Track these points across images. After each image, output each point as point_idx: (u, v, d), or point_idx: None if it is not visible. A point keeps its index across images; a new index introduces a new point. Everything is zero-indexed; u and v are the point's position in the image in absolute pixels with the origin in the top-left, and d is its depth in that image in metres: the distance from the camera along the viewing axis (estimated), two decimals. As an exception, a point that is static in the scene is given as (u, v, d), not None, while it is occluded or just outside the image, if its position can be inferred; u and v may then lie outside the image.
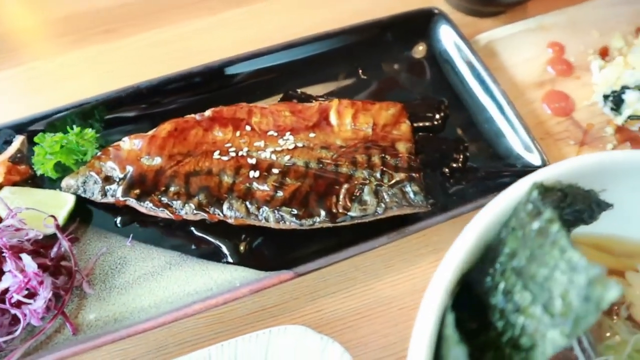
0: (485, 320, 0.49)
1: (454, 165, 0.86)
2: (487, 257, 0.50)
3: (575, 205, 0.57)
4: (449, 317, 0.44)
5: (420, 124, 0.90)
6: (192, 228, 0.81)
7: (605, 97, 0.93)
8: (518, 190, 0.49)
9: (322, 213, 0.74)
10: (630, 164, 0.55)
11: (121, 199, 0.79)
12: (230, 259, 0.78)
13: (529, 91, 0.98)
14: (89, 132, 0.83)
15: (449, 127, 0.91)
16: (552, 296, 0.42)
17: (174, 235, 0.81)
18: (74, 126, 0.82)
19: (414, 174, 0.78)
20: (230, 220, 0.76)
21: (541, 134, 0.92)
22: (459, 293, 0.50)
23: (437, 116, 0.91)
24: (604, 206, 0.58)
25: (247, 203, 0.76)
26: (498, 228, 0.49)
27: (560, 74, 1.00)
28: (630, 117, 0.91)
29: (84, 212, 0.83)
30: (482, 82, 0.91)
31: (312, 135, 0.83)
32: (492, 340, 0.47)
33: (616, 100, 0.91)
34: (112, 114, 0.90)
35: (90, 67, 1.03)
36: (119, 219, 0.83)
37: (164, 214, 0.78)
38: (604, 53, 1.02)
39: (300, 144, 0.82)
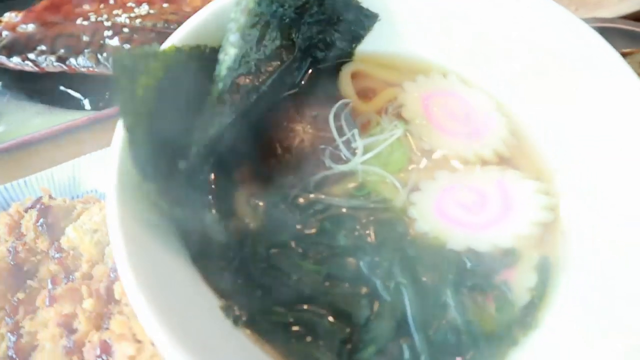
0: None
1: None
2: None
3: (342, 15, 0.67)
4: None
5: None
6: (60, 86, 0.93)
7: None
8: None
9: (159, 58, 0.86)
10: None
11: (-6, 57, 0.91)
12: (88, 107, 0.90)
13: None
14: (-25, 7, 0.96)
15: None
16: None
17: (44, 92, 0.93)
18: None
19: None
20: (83, 70, 0.88)
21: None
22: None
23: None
24: (372, 17, 0.67)
25: (98, 54, 0.88)
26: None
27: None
28: None
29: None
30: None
31: (165, 5, 0.95)
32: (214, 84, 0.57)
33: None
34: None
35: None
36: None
37: (29, 67, 0.90)
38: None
39: (152, 11, 0.93)
